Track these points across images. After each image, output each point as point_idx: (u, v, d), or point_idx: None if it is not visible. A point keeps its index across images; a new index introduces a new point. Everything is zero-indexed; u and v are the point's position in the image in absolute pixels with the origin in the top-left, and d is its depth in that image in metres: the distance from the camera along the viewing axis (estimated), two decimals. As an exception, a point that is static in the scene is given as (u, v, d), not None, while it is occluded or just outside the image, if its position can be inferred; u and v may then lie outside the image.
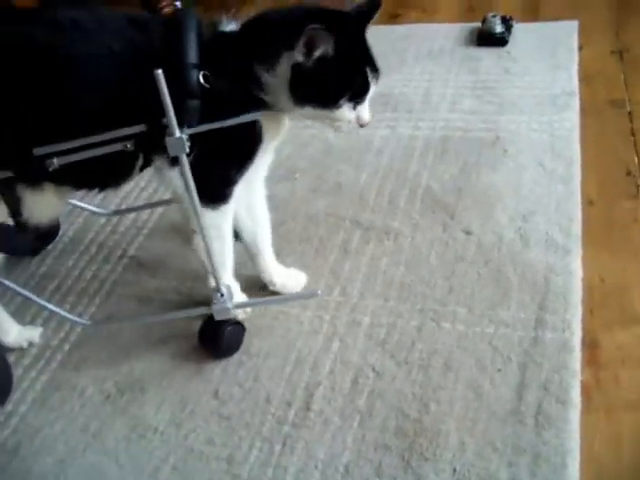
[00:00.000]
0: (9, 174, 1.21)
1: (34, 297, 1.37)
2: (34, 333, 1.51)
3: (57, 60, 1.16)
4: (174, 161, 1.20)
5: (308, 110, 1.19)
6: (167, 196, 1.79)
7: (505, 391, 1.23)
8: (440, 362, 1.30)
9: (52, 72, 1.16)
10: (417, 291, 1.44)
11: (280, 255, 1.49)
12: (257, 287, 1.49)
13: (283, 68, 1.16)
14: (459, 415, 1.20)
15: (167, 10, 2.29)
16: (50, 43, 1.15)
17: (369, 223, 1.62)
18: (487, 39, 2.24)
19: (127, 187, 1.83)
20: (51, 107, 1.18)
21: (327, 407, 1.26)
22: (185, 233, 1.61)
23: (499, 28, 2.23)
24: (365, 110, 1.23)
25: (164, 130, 1.13)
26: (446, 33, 2.34)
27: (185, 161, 1.16)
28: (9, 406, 1.37)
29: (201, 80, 1.14)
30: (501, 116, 1.92)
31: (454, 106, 1.99)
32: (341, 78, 1.17)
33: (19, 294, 1.37)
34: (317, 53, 1.13)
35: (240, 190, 1.30)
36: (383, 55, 2.09)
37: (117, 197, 1.83)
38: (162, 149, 1.18)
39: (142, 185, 1.85)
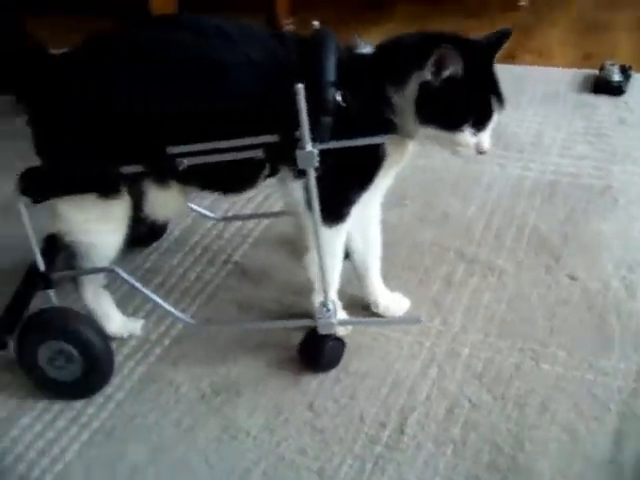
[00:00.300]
0: (140, 169, 1.26)
1: (146, 291, 1.41)
2: (136, 325, 1.56)
3: (199, 64, 1.22)
4: (299, 174, 1.24)
5: (431, 131, 1.20)
6: (276, 208, 1.85)
7: (602, 439, 1.22)
8: (537, 401, 1.29)
9: (193, 75, 1.22)
10: (518, 329, 1.44)
11: (384, 279, 1.51)
12: (358, 306, 1.51)
13: (411, 87, 1.19)
14: (553, 456, 1.20)
15: (289, 28, 2.36)
16: (194, 48, 1.21)
17: (474, 257, 1.63)
18: (604, 87, 2.23)
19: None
20: (188, 109, 1.23)
21: (421, 432, 1.26)
22: (290, 246, 1.67)
23: (617, 77, 2.22)
24: (486, 138, 1.23)
25: (296, 143, 1.17)
26: (561, 78, 2.35)
27: (312, 175, 1.19)
28: (108, 390, 1.43)
29: (338, 99, 1.17)
30: (614, 165, 1.91)
31: (565, 151, 1.99)
32: (466, 101, 1.19)
33: (132, 286, 1.41)
34: (446, 73, 1.16)
35: (356, 211, 1.33)
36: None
37: (225, 204, 1.88)
38: (290, 161, 1.22)
39: (250, 195, 1.90)
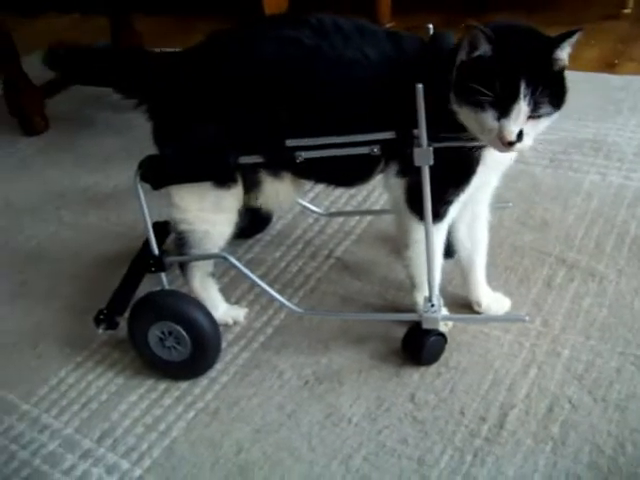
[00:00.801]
0: (259, 159, 1.32)
1: (255, 278, 1.46)
2: (240, 313, 1.62)
3: (320, 61, 1.26)
4: (404, 172, 1.28)
5: (463, 111, 1.16)
6: (378, 206, 1.89)
7: None
8: (638, 406, 1.29)
9: (314, 71, 1.27)
10: (619, 334, 1.44)
11: (485, 278, 1.53)
12: (458, 304, 1.54)
13: (454, 72, 1.17)
14: (657, 463, 1.20)
15: (389, 26, 2.40)
16: (316, 44, 1.26)
17: (574, 262, 1.63)
18: None
19: (337, 192, 1.94)
20: (309, 104, 1.28)
21: (520, 428, 1.28)
22: (392, 243, 1.71)
23: None
24: (511, 127, 1.13)
25: (412, 140, 1.21)
26: (664, 88, 2.32)
27: (427, 172, 1.22)
28: (212, 373, 1.49)
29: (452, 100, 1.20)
30: None
31: (667, 161, 1.96)
32: (491, 80, 1.12)
33: (242, 273, 1.46)
34: (477, 52, 1.13)
35: (459, 210, 1.36)
36: (599, 102, 2.12)
37: (326, 200, 1.93)
38: (400, 158, 1.26)
39: (352, 192, 1.94)
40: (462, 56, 1.15)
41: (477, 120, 1.15)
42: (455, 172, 1.30)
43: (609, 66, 2.50)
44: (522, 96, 1.11)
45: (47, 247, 2.00)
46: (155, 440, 1.38)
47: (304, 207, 1.83)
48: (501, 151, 1.17)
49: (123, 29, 2.86)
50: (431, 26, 1.35)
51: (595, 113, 2.20)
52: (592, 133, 2.11)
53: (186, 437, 1.37)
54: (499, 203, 1.49)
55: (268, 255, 1.80)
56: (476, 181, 1.32)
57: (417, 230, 1.33)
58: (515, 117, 1.12)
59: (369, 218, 1.87)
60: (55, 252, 1.98)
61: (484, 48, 1.12)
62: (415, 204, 1.30)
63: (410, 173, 1.28)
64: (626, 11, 2.87)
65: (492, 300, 1.51)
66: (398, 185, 1.34)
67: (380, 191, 1.91)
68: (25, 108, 2.64)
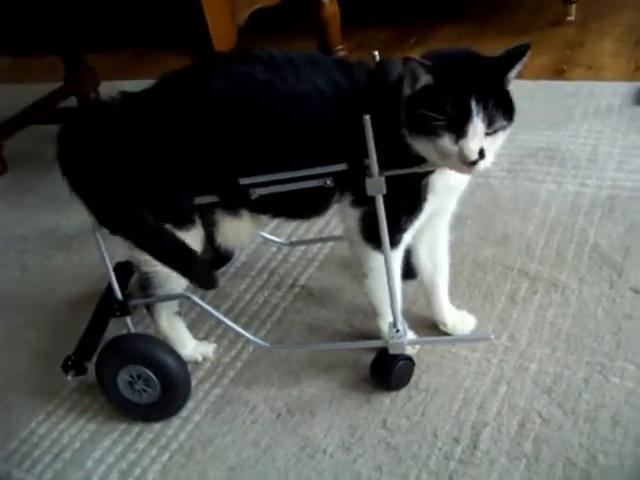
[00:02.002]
0: (214, 199, 1.32)
1: (221, 316, 1.47)
2: (208, 348, 1.62)
3: (273, 95, 1.27)
4: (358, 202, 1.29)
5: (419, 142, 1.17)
6: (339, 232, 1.89)
7: (679, 453, 1.23)
8: (608, 416, 1.31)
9: (268, 106, 1.27)
10: (584, 344, 1.46)
11: (449, 297, 1.55)
12: (424, 325, 1.55)
13: (403, 106, 1.18)
14: (629, 472, 1.21)
15: (341, 54, 2.42)
16: (268, 79, 1.27)
17: (536, 274, 1.65)
18: (656, 99, 2.24)
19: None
20: (261, 139, 1.29)
21: (494, 447, 1.29)
22: (355, 268, 1.71)
23: (669, 89, 2.22)
24: (468, 144, 1.13)
25: (364, 170, 1.22)
26: (613, 91, 2.35)
27: (381, 202, 1.23)
28: (184, 412, 1.48)
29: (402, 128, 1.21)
30: (671, 177, 1.91)
31: (621, 165, 1.99)
32: (439, 106, 1.13)
33: (206, 312, 1.47)
34: (419, 84, 1.15)
35: (416, 235, 1.38)
36: (551, 110, 2.15)
37: (288, 228, 1.94)
38: (354, 189, 1.27)
39: (312, 220, 1.94)
40: (407, 91, 1.17)
41: (435, 148, 1.16)
42: (406, 200, 1.31)
43: (558, 72, 2.54)
44: (475, 113, 1.12)
45: (11, 293, 1.99)
46: (131, 486, 1.37)
47: (265, 238, 1.83)
48: (465, 172, 1.19)
49: (77, 67, 2.85)
50: (377, 53, 1.36)
51: (548, 121, 2.23)
52: (546, 142, 2.14)
53: (162, 480, 1.36)
54: (458, 221, 1.50)
55: (233, 288, 1.80)
56: (428, 208, 1.33)
57: (373, 258, 1.35)
58: (472, 135, 1.13)
59: (331, 244, 1.88)
60: (20, 298, 1.96)
61: (425, 78, 1.14)
62: (369, 233, 1.32)
63: (364, 203, 1.29)
64: (570, 18, 2.92)
65: (457, 319, 1.52)
66: (352, 215, 1.35)
67: (339, 217, 1.91)
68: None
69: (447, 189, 1.31)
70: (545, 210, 1.85)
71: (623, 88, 2.36)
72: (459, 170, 1.19)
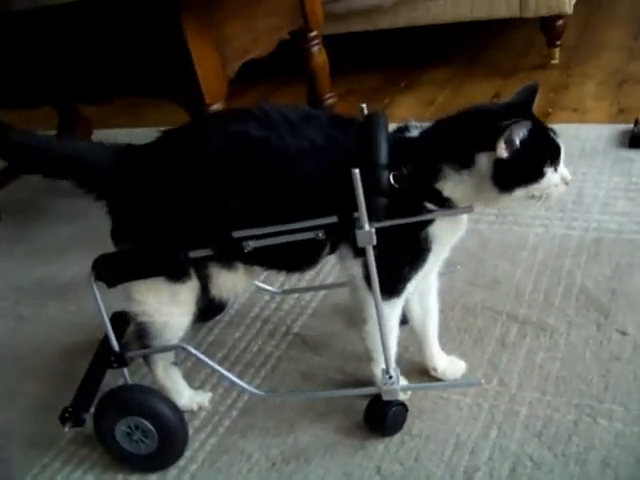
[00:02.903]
0: (208, 252, 1.35)
1: (216, 366, 1.49)
2: (204, 397, 1.63)
3: (267, 152, 1.31)
4: (358, 252, 1.32)
5: (517, 193, 1.27)
6: (330, 280, 1.92)
7: (669, 495, 1.26)
8: (598, 458, 1.33)
9: (259, 163, 1.31)
10: (573, 386, 1.48)
11: (439, 342, 1.57)
12: (416, 371, 1.57)
13: (483, 166, 1.26)
14: (620, 514, 1.23)
15: (331, 102, 2.47)
16: (263, 136, 1.31)
17: (525, 318, 1.68)
18: (639, 142, 2.29)
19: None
20: (254, 194, 1.33)
21: (486, 492, 1.31)
22: (347, 315, 1.75)
23: (652, 131, 2.28)
24: (564, 168, 1.30)
25: (354, 222, 1.26)
26: (597, 134, 2.40)
27: (371, 252, 1.27)
28: (181, 461, 1.50)
29: (391, 180, 1.26)
30: (655, 219, 1.95)
31: (607, 207, 2.04)
32: (538, 151, 1.26)
33: (202, 362, 1.49)
34: (517, 144, 1.24)
35: (412, 286, 1.40)
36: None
37: (281, 277, 1.96)
38: (348, 240, 1.31)
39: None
40: (501, 154, 1.24)
41: (540, 188, 1.28)
42: (409, 251, 1.35)
43: (544, 115, 2.59)
44: (558, 141, 1.30)
45: (7, 344, 2.00)
46: (131, 539, 1.38)
47: (258, 287, 1.86)
48: (561, 193, 1.31)
49: (70, 116, 2.90)
50: (364, 105, 1.41)
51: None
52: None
53: (160, 532, 1.38)
54: (448, 268, 1.53)
55: (228, 336, 1.83)
56: (432, 258, 1.37)
57: (374, 306, 1.37)
58: (562, 160, 1.29)
59: (323, 292, 1.91)
60: (15, 348, 1.98)
61: (522, 136, 1.24)
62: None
63: (364, 253, 1.32)
64: (554, 61, 2.99)
65: (448, 364, 1.55)
66: (355, 264, 1.37)
67: (331, 265, 1.95)
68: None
69: (450, 237, 1.37)
70: (533, 254, 1.89)
71: (607, 131, 2.41)
72: (559, 193, 1.30)
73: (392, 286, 1.37)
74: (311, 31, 2.37)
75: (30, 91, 2.26)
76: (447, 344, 1.60)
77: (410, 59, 3.45)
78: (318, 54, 2.40)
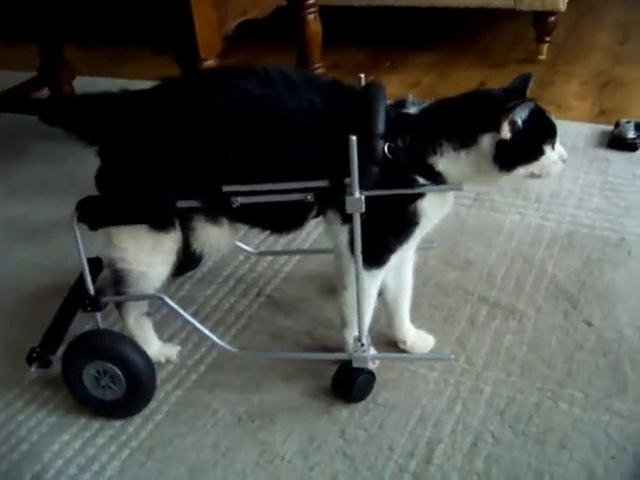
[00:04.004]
0: (196, 204, 1.35)
1: (192, 319, 1.49)
2: (173, 351, 1.64)
3: (264, 110, 1.31)
4: (346, 219, 1.33)
5: (518, 171, 1.32)
6: (306, 246, 1.94)
7: (619, 479, 1.29)
8: (556, 439, 1.37)
9: (257, 120, 1.32)
10: (537, 370, 1.52)
11: (410, 317, 1.59)
12: (384, 343, 1.59)
13: (485, 147, 1.30)
14: (572, 493, 1.27)
15: (319, 72, 2.47)
16: (263, 94, 1.31)
17: (495, 301, 1.71)
18: (618, 143, 2.34)
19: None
20: (248, 150, 1.33)
21: (447, 463, 1.34)
22: (319, 282, 1.77)
23: (631, 134, 2.32)
24: (560, 147, 1.35)
25: (344, 189, 1.27)
26: (578, 132, 2.44)
27: (358, 220, 1.28)
28: (146, 411, 1.50)
29: (385, 150, 1.28)
30: (627, 219, 2.00)
31: (582, 203, 2.08)
32: (539, 130, 1.31)
33: (178, 314, 1.49)
34: (518, 126, 1.28)
35: (396, 259, 1.42)
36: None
37: (256, 239, 1.97)
38: (337, 205, 1.32)
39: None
40: (505, 136, 1.28)
41: (540, 165, 1.33)
42: (399, 224, 1.37)
43: (527, 108, 2.61)
44: (552, 119, 1.35)
45: (-27, 281, 1.98)
46: (89, 481, 1.38)
47: (236, 246, 1.86)
48: (559, 170, 1.36)
49: (53, 58, 2.85)
50: (362, 76, 1.42)
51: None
52: (511, 174, 2.21)
53: (121, 477, 1.38)
54: (424, 244, 1.55)
55: (199, 293, 1.83)
56: (419, 233, 1.40)
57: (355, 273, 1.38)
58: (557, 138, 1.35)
59: (298, 257, 1.92)
60: (-18, 286, 1.96)
61: (523, 118, 1.28)
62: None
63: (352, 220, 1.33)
64: (541, 57, 3.03)
65: (417, 338, 1.58)
66: (342, 231, 1.38)
67: (308, 231, 1.97)
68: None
69: (438, 212, 1.39)
70: (508, 240, 1.92)
71: (587, 130, 2.46)
72: (557, 171, 1.35)
73: (376, 256, 1.39)
74: (308, -1, 2.36)
75: (20, 22, 2.22)
76: (417, 320, 1.62)
77: (397, 40, 3.46)
78: (313, 23, 2.39)
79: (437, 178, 1.33)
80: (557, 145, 1.35)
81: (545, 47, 3.01)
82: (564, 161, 1.36)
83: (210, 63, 1.89)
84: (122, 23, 2.03)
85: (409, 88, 2.94)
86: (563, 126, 2.38)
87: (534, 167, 1.33)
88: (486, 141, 1.30)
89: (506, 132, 1.28)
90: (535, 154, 1.32)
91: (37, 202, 2.32)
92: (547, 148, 1.32)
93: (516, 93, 1.34)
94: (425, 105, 1.37)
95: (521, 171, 1.33)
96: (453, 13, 3.17)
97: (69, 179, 2.42)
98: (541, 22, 2.95)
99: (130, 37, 2.19)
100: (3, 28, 2.32)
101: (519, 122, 1.29)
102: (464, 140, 1.31)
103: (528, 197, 2.10)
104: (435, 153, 1.31)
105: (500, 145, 1.29)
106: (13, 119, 2.85)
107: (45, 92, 2.96)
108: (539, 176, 1.35)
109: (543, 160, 1.32)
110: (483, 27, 3.45)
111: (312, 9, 2.38)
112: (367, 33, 3.56)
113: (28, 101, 2.87)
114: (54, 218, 2.22)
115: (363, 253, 1.34)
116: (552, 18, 2.92)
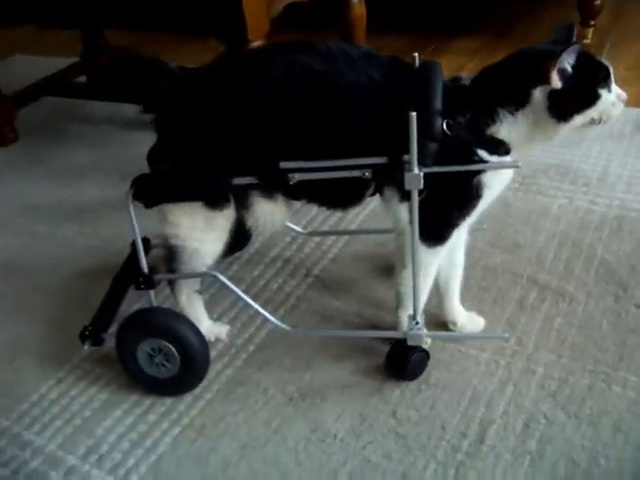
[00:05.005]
0: (253, 181, 1.35)
1: (246, 297, 1.50)
2: (222, 330, 1.65)
3: (327, 85, 1.31)
4: (405, 196, 1.33)
5: (576, 120, 1.30)
6: (355, 226, 1.94)
7: (677, 463, 1.29)
8: (610, 422, 1.36)
9: (321, 96, 1.31)
10: (589, 353, 1.51)
11: (460, 299, 1.59)
12: (433, 323, 1.58)
13: (538, 100, 1.28)
14: (630, 474, 1.26)
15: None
16: (324, 70, 1.31)
17: (545, 283, 1.70)
18: (667, 128, 2.30)
19: (314, 211, 1.98)
20: (307, 126, 1.33)
21: (499, 443, 1.34)
22: (368, 263, 1.77)
23: (679, 119, 2.29)
24: (617, 88, 1.32)
25: (402, 165, 1.26)
26: (626, 117, 2.39)
27: (416, 196, 1.28)
28: (196, 390, 1.52)
29: (444, 127, 1.27)
30: (677, 203, 1.97)
31: (630, 187, 2.05)
32: (590, 74, 1.29)
33: (232, 292, 1.49)
34: (569, 70, 1.26)
35: (457, 234, 1.42)
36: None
37: (304, 220, 1.98)
38: (395, 182, 1.32)
39: (328, 212, 1.99)
40: (555, 85, 1.26)
41: (598, 110, 1.30)
42: (463, 197, 1.37)
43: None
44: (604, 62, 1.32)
45: (21, 260, 2.01)
46: (141, 456, 1.40)
47: (287, 227, 1.87)
48: (619, 114, 1.33)
49: (95, 42, 2.88)
50: (417, 55, 1.41)
51: (561, 139, 2.27)
52: (559, 159, 2.20)
53: (173, 453, 1.39)
54: (475, 224, 1.54)
55: (247, 273, 1.84)
56: (482, 204, 1.39)
57: (419, 252, 1.38)
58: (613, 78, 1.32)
59: (345, 238, 1.93)
60: (29, 265, 1.99)
61: (571, 64, 1.26)
62: (420, 226, 1.34)
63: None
64: (586, 41, 2.99)
65: (467, 319, 1.57)
66: (403, 208, 1.37)
67: (356, 212, 1.97)
68: (-6, 119, 2.64)
69: (500, 184, 1.38)
70: (555, 223, 1.91)
71: (634, 114, 2.42)
72: (616, 113, 1.32)
73: (439, 232, 1.39)
74: (355, -18, 2.35)
75: (62, 8, 2.24)
76: (467, 301, 1.62)
77: (439, 25, 3.44)
78: (358, 5, 2.39)
79: (499, 148, 1.32)
80: (613, 86, 1.31)
81: (590, 31, 2.97)
82: (623, 101, 1.33)
83: (257, 44, 1.89)
84: (166, 6, 2.03)
85: (452, 73, 2.91)
86: (610, 111, 2.44)
87: (593, 112, 1.30)
88: (538, 95, 1.28)
89: (556, 81, 1.26)
90: (591, 99, 1.29)
91: (80, 184, 2.35)
92: (603, 91, 1.29)
93: (562, 43, 1.31)
94: (474, 75, 1.37)
95: (579, 119, 1.30)
96: (495, -2, 3.15)
97: (112, 162, 2.44)
98: (586, 5, 2.91)
99: (179, 20, 2.20)
100: (45, 14, 2.33)
101: (568, 68, 1.26)
102: (518, 100, 1.30)
103: (576, 181, 2.09)
104: (494, 122, 1.30)
105: (553, 96, 1.27)
106: (56, 103, 2.89)
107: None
108: (600, 121, 1.33)
109: (600, 104, 1.29)
110: (526, 12, 3.41)
111: (357, -8, 2.38)
112: (408, 18, 3.54)
113: (70, 85, 2.90)
114: (98, 199, 2.24)
115: (426, 229, 1.35)
116: (597, 1, 2.88)
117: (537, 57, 1.28)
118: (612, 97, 1.31)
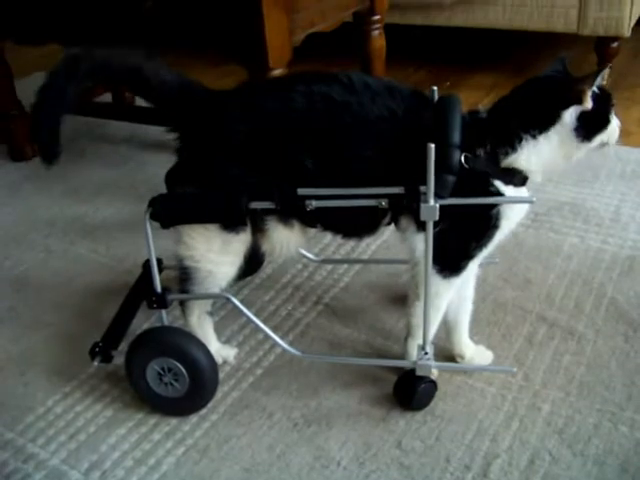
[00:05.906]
0: (271, 205, 1.37)
1: (257, 320, 1.50)
2: (230, 352, 1.66)
3: (348, 116, 1.33)
4: (421, 226, 1.34)
5: (596, 140, 1.36)
6: (366, 255, 1.95)
7: (683, 507, 1.28)
8: (616, 462, 1.35)
9: (341, 126, 1.34)
10: (596, 392, 1.51)
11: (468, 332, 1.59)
12: (441, 356, 1.59)
13: (567, 121, 1.33)
14: (635, 518, 1.26)
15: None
16: (345, 101, 1.33)
17: (554, 320, 1.71)
18: (680, 172, 2.31)
19: (326, 240, 2.00)
20: (327, 155, 1.35)
21: (503, 478, 1.33)
22: (379, 293, 1.77)
23: (693, 163, 2.30)
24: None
25: (419, 196, 1.28)
26: (639, 158, 2.43)
27: (431, 228, 1.29)
28: (202, 410, 1.52)
29: (462, 160, 1.29)
30: (689, 247, 1.98)
31: (643, 229, 2.06)
32: (604, 98, 1.36)
33: (244, 315, 1.50)
34: (595, 94, 1.33)
35: (473, 266, 1.43)
36: (577, 167, 2.19)
37: (316, 248, 1.99)
38: (411, 213, 1.33)
39: (340, 241, 2.00)
40: (586, 107, 1.32)
41: (607, 133, 1.37)
42: (480, 228, 1.38)
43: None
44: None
45: (35, 275, 2.03)
46: (144, 474, 1.40)
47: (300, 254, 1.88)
48: (617, 138, 1.41)
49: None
50: (435, 88, 1.43)
51: (574, 178, 2.30)
52: (571, 197, 2.21)
53: (176, 473, 1.40)
54: (487, 258, 1.55)
55: (257, 298, 1.85)
56: (499, 235, 1.41)
57: (433, 283, 1.39)
58: None
59: (357, 267, 1.93)
60: (43, 280, 2.00)
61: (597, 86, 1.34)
62: (436, 257, 1.36)
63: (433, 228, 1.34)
64: (603, 83, 3.00)
65: (475, 353, 1.57)
66: (420, 239, 1.38)
67: (368, 242, 1.98)
68: (15, 134, 2.67)
69: (517, 215, 1.40)
70: (567, 262, 1.91)
71: (648, 156, 2.43)
72: (616, 137, 1.40)
73: (455, 263, 1.40)
74: (375, 14, 2.38)
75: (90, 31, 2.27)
76: (475, 335, 1.62)
77: (457, 59, 3.47)
78: (378, 38, 2.42)
79: (514, 178, 1.35)
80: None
81: (607, 71, 2.99)
82: (619, 128, 1.40)
83: (278, 72, 1.91)
84: (188, 31, 2.06)
85: (469, 107, 2.93)
86: (624, 152, 2.46)
87: (606, 134, 1.37)
88: (568, 116, 1.33)
89: (589, 102, 1.32)
90: (607, 121, 1.36)
91: (97, 202, 2.37)
92: (611, 115, 1.37)
93: (562, 74, 1.40)
94: (490, 108, 1.40)
95: (598, 140, 1.36)
96: (513, 35, 3.17)
97: (128, 181, 2.47)
98: (604, 47, 2.93)
99: (200, 43, 2.22)
100: (67, 32, 2.37)
101: (596, 91, 1.33)
102: (544, 122, 1.34)
103: (588, 220, 2.09)
104: (514, 150, 1.33)
105: (582, 116, 1.33)
106: (75, 122, 2.91)
107: (107, 97, 3.03)
108: (606, 144, 1.39)
109: (610, 127, 1.37)
110: (543, 50, 3.44)
111: (378, 25, 2.41)
112: (425, 51, 3.58)
113: (90, 104, 2.93)
114: (113, 218, 2.26)
115: (442, 260, 1.37)
116: (615, 44, 2.90)
117: (565, 81, 1.36)
118: (615, 122, 1.39)
